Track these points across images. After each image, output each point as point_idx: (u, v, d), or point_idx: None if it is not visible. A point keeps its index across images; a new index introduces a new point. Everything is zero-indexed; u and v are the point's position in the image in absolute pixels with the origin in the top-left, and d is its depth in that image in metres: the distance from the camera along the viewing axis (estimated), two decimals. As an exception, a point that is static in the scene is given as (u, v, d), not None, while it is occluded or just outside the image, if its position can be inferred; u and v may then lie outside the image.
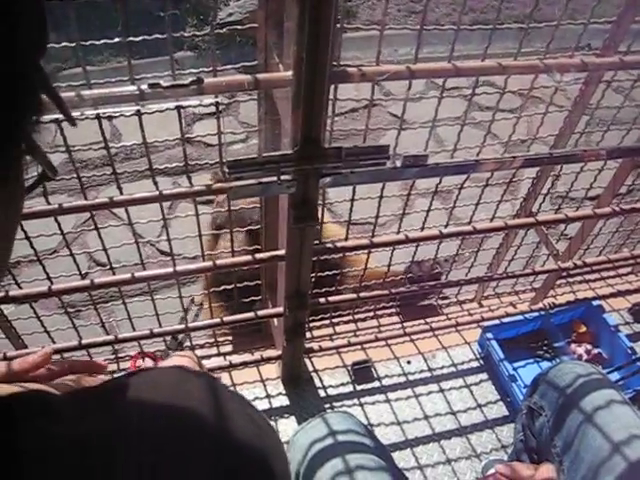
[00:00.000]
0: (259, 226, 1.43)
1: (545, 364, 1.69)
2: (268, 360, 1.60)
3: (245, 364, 1.59)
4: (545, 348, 1.73)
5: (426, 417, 1.55)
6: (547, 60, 1.01)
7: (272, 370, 1.63)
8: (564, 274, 1.88)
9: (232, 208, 1.16)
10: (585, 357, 1.71)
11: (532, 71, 1.02)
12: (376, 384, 1.62)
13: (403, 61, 0.96)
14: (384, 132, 3.05)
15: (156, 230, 2.54)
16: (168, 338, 1.66)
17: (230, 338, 1.75)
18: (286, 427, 1.51)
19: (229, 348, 1.71)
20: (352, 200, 1.23)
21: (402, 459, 1.47)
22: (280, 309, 1.36)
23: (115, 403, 0.41)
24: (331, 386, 1.61)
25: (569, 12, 1.02)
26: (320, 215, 1.15)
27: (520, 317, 1.72)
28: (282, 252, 1.19)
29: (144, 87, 0.83)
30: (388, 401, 1.58)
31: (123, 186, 1.05)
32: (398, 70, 0.91)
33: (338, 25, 0.87)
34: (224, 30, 1.03)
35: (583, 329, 1.77)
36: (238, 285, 1.39)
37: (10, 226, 0.38)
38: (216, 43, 0.89)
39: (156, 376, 0.46)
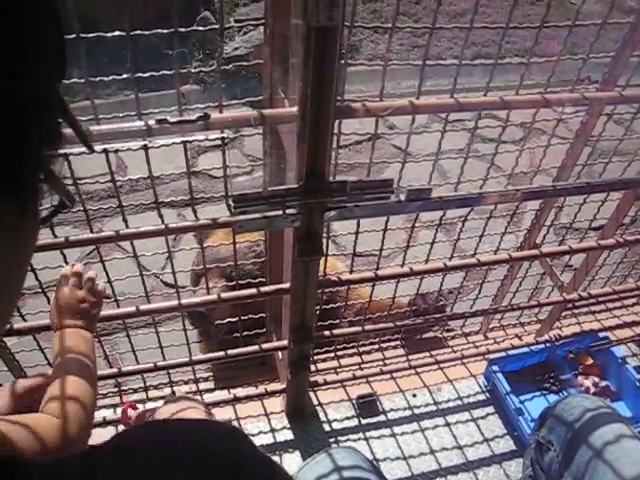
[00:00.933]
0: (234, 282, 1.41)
1: (552, 397, 1.67)
2: (272, 394, 1.58)
3: (249, 397, 1.57)
4: (552, 381, 1.71)
5: (432, 451, 1.53)
6: (548, 95, 1.02)
7: (276, 404, 1.61)
8: (569, 305, 1.87)
9: (214, 258, 1.17)
10: (593, 390, 1.69)
11: (534, 105, 1.03)
12: (381, 418, 1.60)
13: (406, 94, 0.97)
14: (388, 164, 3.07)
15: (160, 262, 2.55)
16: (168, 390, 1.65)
17: (233, 371, 1.73)
18: (290, 462, 1.49)
19: (233, 381, 1.70)
20: (356, 233, 1.23)
21: (408, 495, 1.44)
22: (285, 342, 1.35)
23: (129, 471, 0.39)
24: (336, 420, 1.59)
25: (568, 46, 1.03)
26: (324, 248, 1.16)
27: (526, 349, 1.70)
28: (287, 285, 1.19)
29: (152, 123, 0.84)
30: (394, 435, 1.56)
31: (128, 218, 1.05)
32: (401, 105, 0.93)
33: (342, 60, 0.88)
34: (230, 66, 1.05)
35: (590, 361, 1.76)
36: (231, 320, 1.39)
37: (25, 259, 0.37)
38: (222, 78, 0.91)
39: (170, 437, 0.44)
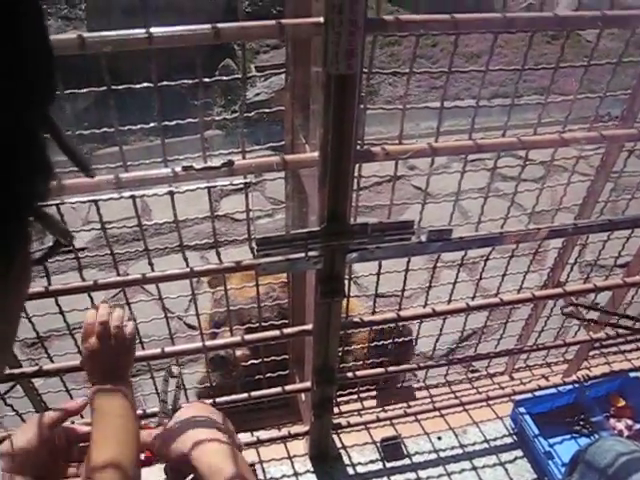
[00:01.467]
0: (257, 324, 1.41)
1: (583, 440, 1.62)
2: (296, 436, 1.57)
3: (272, 440, 1.56)
4: (582, 423, 1.67)
5: (460, 497, 1.49)
6: (565, 134, 1.03)
7: (300, 446, 1.59)
8: (597, 345, 1.83)
9: (231, 306, 1.18)
10: (626, 433, 1.64)
11: (551, 145, 1.04)
12: (406, 461, 1.57)
13: (425, 135, 0.99)
14: (408, 205, 3.09)
15: (183, 304, 2.57)
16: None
17: (256, 414, 1.72)
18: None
19: (255, 424, 1.69)
20: (378, 274, 1.24)
21: (436, 543, 1.40)
22: (308, 384, 1.35)
23: None
24: (360, 463, 1.56)
25: (585, 83, 1.04)
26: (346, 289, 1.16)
27: (553, 390, 1.67)
28: (309, 327, 1.20)
29: (178, 169, 0.87)
30: (419, 479, 1.53)
31: (152, 260, 1.08)
32: (420, 149, 0.95)
33: (362, 105, 0.91)
34: (253, 114, 1.08)
35: (622, 403, 1.71)
36: (254, 362, 1.39)
37: (14, 310, 0.34)
38: (244, 124, 0.94)
39: None
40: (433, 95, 4.30)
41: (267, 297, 1.66)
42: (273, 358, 1.45)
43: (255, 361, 1.41)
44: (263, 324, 1.27)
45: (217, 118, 1.08)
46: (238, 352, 1.48)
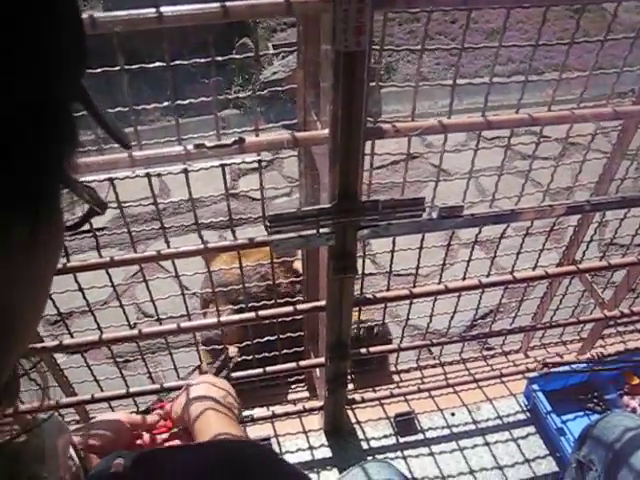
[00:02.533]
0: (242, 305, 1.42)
1: (595, 417, 1.62)
2: (310, 411, 1.60)
3: (287, 415, 1.59)
4: (595, 400, 1.67)
5: (472, 471, 1.51)
6: (578, 110, 1.02)
7: (314, 421, 1.62)
8: (612, 323, 1.83)
9: (221, 286, 1.18)
10: (639, 410, 1.64)
11: (563, 121, 1.04)
12: (419, 436, 1.60)
13: (442, 113, 0.99)
14: (426, 184, 3.08)
15: (201, 281, 2.61)
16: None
17: (271, 390, 1.75)
18: (328, 479, 1.50)
19: (270, 400, 1.72)
20: (392, 251, 1.25)
21: (448, 515, 1.43)
22: (322, 359, 1.37)
23: None
24: (374, 438, 1.59)
25: (609, 59, 1.03)
26: (361, 267, 1.18)
27: (567, 368, 1.67)
28: (323, 303, 1.22)
29: (190, 147, 0.89)
30: (432, 454, 1.55)
31: (170, 240, 1.10)
32: (431, 125, 0.95)
33: (373, 84, 0.91)
34: (266, 92, 1.09)
35: (636, 381, 1.71)
36: (270, 338, 1.41)
37: (49, 269, 0.34)
38: (260, 102, 0.95)
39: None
40: (452, 73, 4.25)
41: (254, 273, 1.68)
42: (289, 335, 1.48)
43: (271, 338, 1.43)
44: (252, 303, 1.28)
45: (230, 97, 1.09)
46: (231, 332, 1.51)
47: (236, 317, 1.27)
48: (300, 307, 1.25)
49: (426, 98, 3.79)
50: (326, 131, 0.90)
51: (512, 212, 1.14)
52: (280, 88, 1.15)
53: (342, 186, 0.95)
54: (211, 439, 0.75)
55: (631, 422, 1.06)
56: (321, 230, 1.00)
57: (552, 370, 1.65)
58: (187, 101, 1.03)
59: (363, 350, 1.44)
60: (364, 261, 1.30)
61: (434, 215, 1.06)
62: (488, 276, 1.42)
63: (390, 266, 1.32)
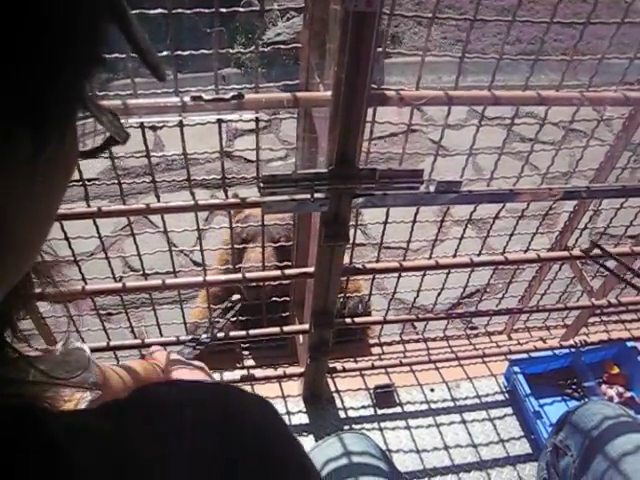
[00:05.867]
0: (289, 242, 1.44)
1: (573, 403, 1.64)
2: (291, 377, 1.60)
3: (267, 379, 1.59)
4: (574, 387, 1.69)
5: (446, 447, 1.52)
6: (587, 93, 1.00)
7: (294, 387, 1.63)
8: (598, 312, 1.83)
9: (262, 222, 1.18)
10: (617, 400, 1.65)
11: (570, 103, 1.01)
12: (397, 409, 1.61)
13: (446, 88, 0.96)
14: (423, 158, 3.05)
15: (191, 240, 2.59)
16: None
17: (254, 352, 1.75)
18: (304, 445, 1.50)
19: (252, 362, 1.72)
20: (385, 223, 1.23)
21: (419, 488, 1.44)
22: (306, 326, 1.36)
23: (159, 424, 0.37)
24: (352, 408, 1.60)
25: (620, 46, 1.00)
26: (353, 236, 1.16)
27: (549, 353, 1.68)
28: (311, 269, 1.20)
29: (187, 99, 0.86)
30: (408, 428, 1.56)
31: (162, 195, 1.07)
32: (436, 96, 0.92)
33: (380, 49, 0.88)
34: (268, 49, 1.06)
35: (615, 370, 1.72)
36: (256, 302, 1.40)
37: (54, 191, 0.32)
38: (261, 61, 0.92)
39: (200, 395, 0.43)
40: (459, 48, 4.18)
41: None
42: (274, 299, 1.47)
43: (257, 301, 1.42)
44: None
45: (232, 51, 1.05)
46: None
47: (223, 277, 1.25)
48: (288, 272, 1.23)
49: (431, 72, 3.73)
50: (328, 93, 0.87)
51: (510, 192, 1.12)
52: (283, 46, 1.12)
53: (340, 151, 0.92)
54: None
55: (610, 411, 1.07)
56: (315, 195, 0.98)
57: (533, 355, 1.66)
58: (187, 52, 0.99)
59: (348, 320, 1.43)
60: (355, 231, 1.28)
61: (432, 189, 1.04)
62: (479, 255, 1.41)
63: (382, 238, 1.30)
